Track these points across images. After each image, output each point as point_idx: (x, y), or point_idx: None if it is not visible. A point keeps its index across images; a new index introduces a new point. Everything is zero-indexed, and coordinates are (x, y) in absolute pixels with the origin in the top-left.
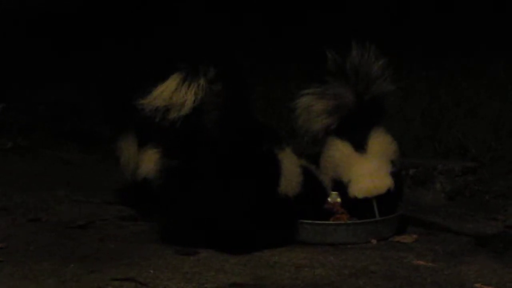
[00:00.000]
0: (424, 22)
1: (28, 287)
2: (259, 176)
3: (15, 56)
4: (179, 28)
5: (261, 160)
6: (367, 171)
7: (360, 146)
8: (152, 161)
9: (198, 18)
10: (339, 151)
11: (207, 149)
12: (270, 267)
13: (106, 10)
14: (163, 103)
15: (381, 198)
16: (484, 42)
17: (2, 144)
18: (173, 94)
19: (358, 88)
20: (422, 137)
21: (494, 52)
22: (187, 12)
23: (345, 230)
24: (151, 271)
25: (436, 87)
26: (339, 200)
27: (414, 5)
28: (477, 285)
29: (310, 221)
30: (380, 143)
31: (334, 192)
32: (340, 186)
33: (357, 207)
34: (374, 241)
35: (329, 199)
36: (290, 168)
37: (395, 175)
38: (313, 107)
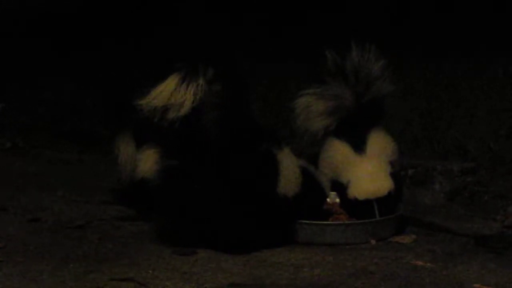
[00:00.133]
0: (424, 22)
1: (27, 287)
2: (257, 176)
3: (14, 56)
4: (179, 28)
5: (260, 160)
6: (367, 172)
7: (359, 147)
8: (150, 161)
9: (197, 18)
10: (338, 151)
11: (205, 149)
12: (269, 267)
13: (106, 10)
14: (162, 103)
15: (381, 200)
16: (483, 43)
17: (1, 144)
18: (172, 94)
19: (357, 88)
20: (421, 138)
21: (493, 52)
22: (187, 12)
23: (344, 231)
24: (150, 271)
25: (435, 87)
26: (338, 200)
27: (414, 5)
28: (476, 285)
29: (309, 222)
30: (380, 144)
31: (333, 193)
32: (339, 186)
33: (357, 208)
34: (373, 242)
35: (328, 200)
36: (289, 169)
37: (394, 176)
38: (312, 107)
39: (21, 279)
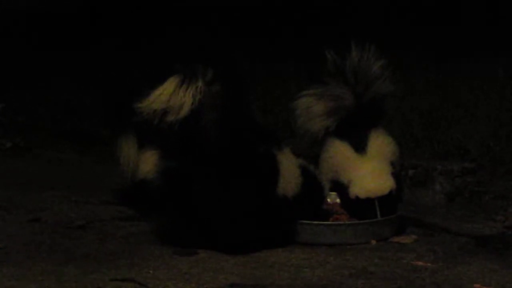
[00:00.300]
0: (424, 22)
1: (27, 287)
2: (257, 177)
3: (14, 56)
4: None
5: (259, 161)
6: (368, 171)
7: (359, 147)
8: (150, 162)
9: (197, 18)
10: (339, 152)
11: (205, 150)
12: (269, 268)
13: (106, 10)
14: (161, 106)
15: (382, 199)
16: (483, 43)
17: (1, 144)
18: (171, 96)
19: (357, 89)
20: (421, 138)
21: (493, 52)
22: (186, 12)
23: (344, 231)
24: (150, 272)
25: (435, 87)
26: (338, 200)
27: (414, 5)
28: (476, 285)
29: (309, 222)
30: (380, 144)
31: (333, 193)
32: (339, 186)
33: (358, 208)
34: (373, 242)
35: (328, 200)
36: (289, 169)
37: (395, 176)
38: (312, 108)
39: (21, 279)
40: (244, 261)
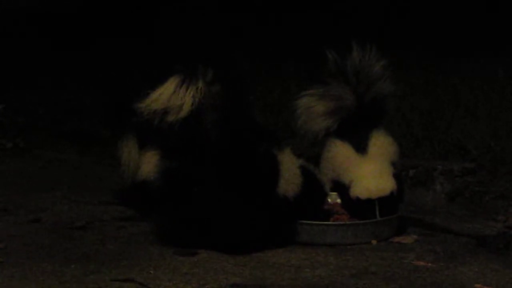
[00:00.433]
0: (424, 22)
1: (28, 287)
2: (258, 177)
3: (14, 56)
4: (179, 29)
5: (260, 161)
6: (369, 172)
7: (361, 147)
8: (151, 162)
9: (197, 18)
10: (339, 152)
11: (206, 150)
12: (270, 268)
13: (106, 10)
14: (161, 106)
15: (383, 200)
16: (483, 42)
17: (2, 145)
18: (171, 97)
19: (358, 89)
20: (422, 138)
21: (493, 52)
22: (186, 12)
23: (345, 231)
24: (151, 272)
25: (435, 87)
26: (339, 200)
27: (414, 5)
28: (477, 285)
29: (310, 222)
30: (381, 145)
31: (334, 193)
32: (340, 186)
33: (358, 208)
34: (374, 242)
35: (329, 200)
36: (290, 169)
37: (396, 176)
38: (313, 108)
39: (21, 280)
40: (245, 261)
